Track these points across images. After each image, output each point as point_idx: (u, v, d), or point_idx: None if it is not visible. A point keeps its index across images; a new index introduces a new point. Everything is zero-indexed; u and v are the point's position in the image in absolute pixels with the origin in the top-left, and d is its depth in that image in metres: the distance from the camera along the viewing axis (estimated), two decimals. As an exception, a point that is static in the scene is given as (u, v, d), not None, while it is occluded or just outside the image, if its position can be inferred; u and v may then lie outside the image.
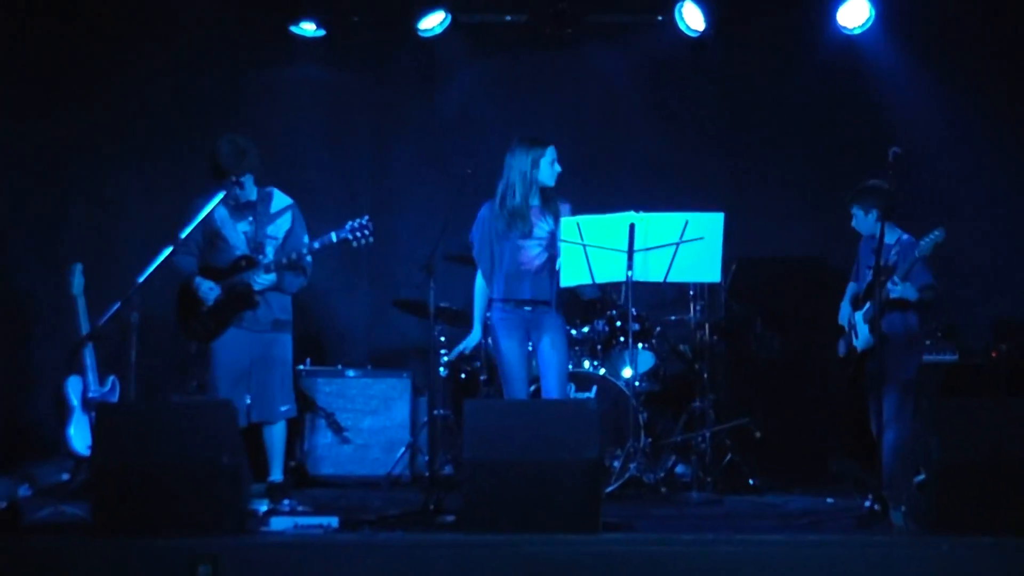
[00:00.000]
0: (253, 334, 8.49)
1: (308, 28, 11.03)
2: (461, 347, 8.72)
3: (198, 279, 8.47)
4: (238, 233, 8.54)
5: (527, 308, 8.38)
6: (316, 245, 8.37)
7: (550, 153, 8.39)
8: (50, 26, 10.62)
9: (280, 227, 8.60)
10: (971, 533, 6.74)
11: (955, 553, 6.63)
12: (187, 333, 8.60)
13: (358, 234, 8.22)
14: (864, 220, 8.65)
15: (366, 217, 8.25)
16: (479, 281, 8.53)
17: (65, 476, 9.16)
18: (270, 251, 8.48)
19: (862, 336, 8.55)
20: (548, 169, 8.38)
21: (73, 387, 9.18)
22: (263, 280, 8.37)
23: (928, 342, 9.55)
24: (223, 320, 8.45)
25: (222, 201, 8.39)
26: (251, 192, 8.57)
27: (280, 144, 8.74)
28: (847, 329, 8.81)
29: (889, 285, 8.24)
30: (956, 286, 9.02)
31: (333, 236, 8.27)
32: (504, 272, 8.39)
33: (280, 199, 8.68)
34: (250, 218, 8.56)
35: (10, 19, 10.31)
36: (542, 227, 8.38)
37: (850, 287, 8.95)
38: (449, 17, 10.91)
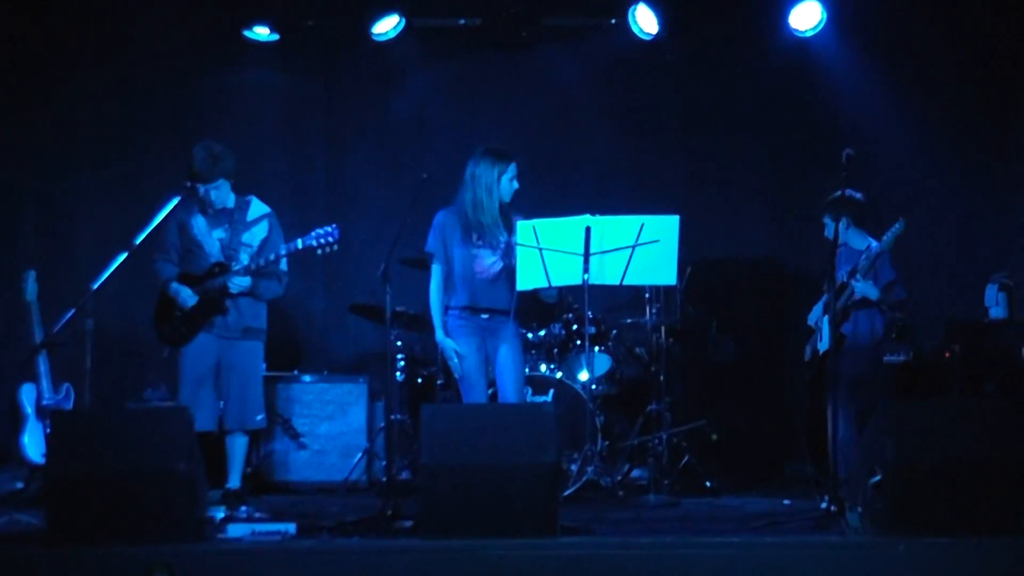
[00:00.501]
0: (222, 340, 8.47)
1: (262, 32, 10.97)
2: (454, 361, 8.57)
3: (175, 285, 8.46)
4: (213, 240, 8.53)
5: (483, 316, 8.38)
6: (282, 251, 8.38)
7: (512, 170, 8.40)
8: (3, 29, 10.54)
9: (256, 235, 8.59)
10: (927, 534, 6.77)
11: (912, 554, 6.67)
12: (161, 338, 8.58)
13: (323, 240, 8.23)
14: (832, 229, 8.63)
15: (333, 225, 8.27)
16: (435, 286, 8.50)
17: (19, 484, 9.09)
18: (244, 258, 8.46)
19: (825, 338, 8.60)
20: (507, 185, 8.40)
21: (27, 395, 9.13)
22: (238, 283, 8.36)
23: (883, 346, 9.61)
24: (195, 325, 8.44)
25: (199, 209, 8.45)
26: (228, 199, 8.57)
27: (234, 148, 8.71)
28: (815, 330, 8.85)
29: (852, 283, 8.32)
30: (909, 286, 9.04)
31: (299, 243, 8.29)
32: (461, 279, 8.39)
33: (258, 207, 8.67)
34: (226, 225, 8.55)
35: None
36: (498, 237, 8.38)
37: (827, 295, 8.97)
38: (403, 21, 10.89)
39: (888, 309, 8.69)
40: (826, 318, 8.68)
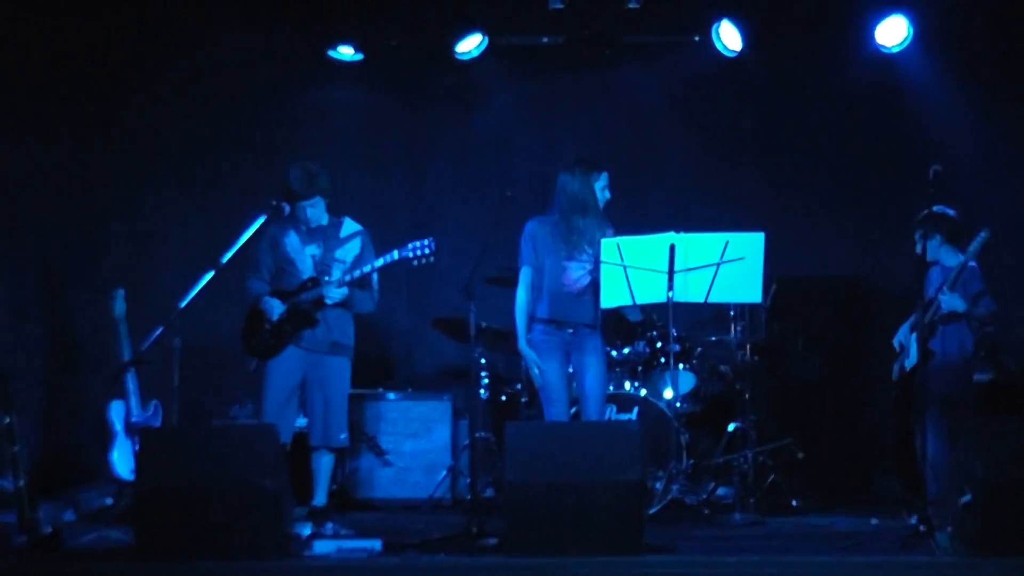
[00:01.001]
0: (309, 353, 8.52)
1: (346, 52, 11.03)
2: (535, 371, 8.59)
3: (266, 298, 8.54)
4: (306, 256, 8.60)
5: (569, 330, 8.38)
6: (378, 263, 8.44)
7: (603, 179, 8.46)
8: (89, 50, 10.69)
9: (349, 252, 8.65)
10: (1018, 554, 6.70)
11: (1001, 574, 6.60)
12: (249, 350, 8.63)
13: (418, 252, 8.30)
14: (928, 246, 8.52)
15: (430, 238, 8.33)
16: (522, 291, 8.51)
17: (108, 501, 9.17)
18: (337, 274, 8.52)
19: (912, 355, 8.51)
20: (600, 195, 8.44)
21: (116, 412, 9.22)
22: (334, 293, 8.42)
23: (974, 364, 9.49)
24: (283, 337, 8.50)
25: (292, 228, 8.55)
26: (322, 217, 8.64)
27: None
28: (898, 350, 8.75)
29: (939, 298, 8.22)
30: (997, 304, 8.94)
31: (395, 254, 8.36)
32: (548, 292, 8.40)
33: (350, 225, 8.74)
34: (319, 241, 8.62)
35: (50, 43, 10.37)
36: (588, 251, 8.38)
37: (916, 314, 8.86)
38: (486, 40, 10.92)
39: (978, 322, 8.54)
40: (913, 335, 8.60)
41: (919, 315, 8.06)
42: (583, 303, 8.40)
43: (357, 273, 8.47)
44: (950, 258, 8.49)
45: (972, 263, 8.39)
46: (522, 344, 8.47)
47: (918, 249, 8.47)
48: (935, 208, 8.31)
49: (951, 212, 8.45)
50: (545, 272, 8.41)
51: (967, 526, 7.02)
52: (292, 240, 8.61)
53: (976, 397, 9.45)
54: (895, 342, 8.90)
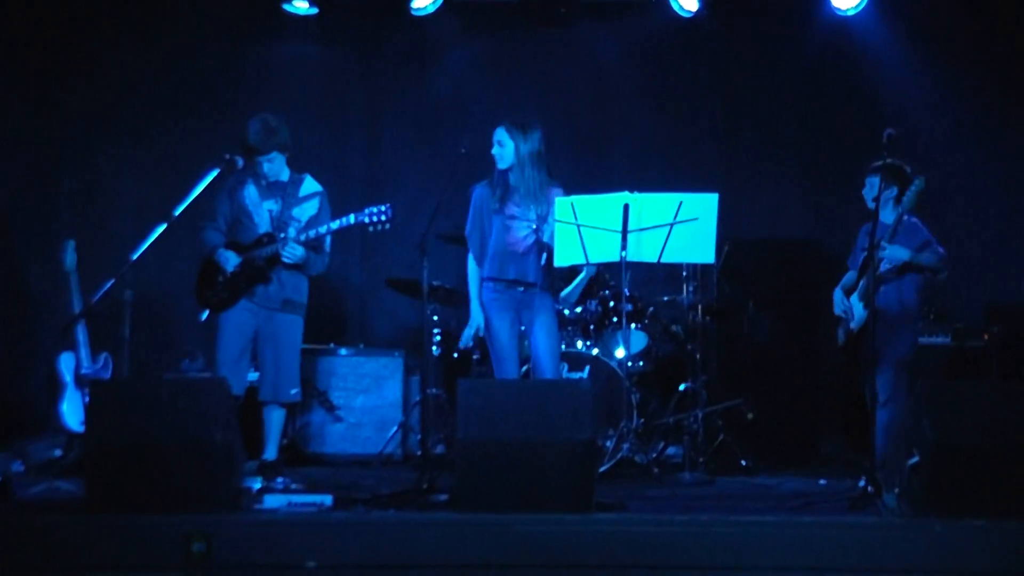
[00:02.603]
0: (261, 309, 8.54)
1: (301, 6, 10.99)
2: (470, 333, 8.65)
3: (221, 250, 8.53)
4: (263, 211, 8.60)
5: (520, 288, 8.38)
6: (334, 225, 8.46)
7: (537, 136, 8.40)
8: (41, 1, 10.58)
9: (306, 211, 8.66)
10: (964, 515, 6.76)
11: (948, 535, 6.66)
12: (201, 302, 8.62)
13: (375, 218, 8.32)
14: (881, 196, 8.43)
15: (387, 204, 8.35)
16: (471, 263, 8.54)
17: (58, 452, 9.13)
18: (292, 232, 8.52)
19: (857, 316, 8.53)
20: (537, 149, 8.38)
21: (66, 363, 9.17)
22: (292, 252, 8.42)
23: (920, 324, 9.53)
24: (236, 292, 8.51)
25: (252, 180, 8.56)
26: (281, 172, 8.65)
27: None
28: (842, 316, 8.75)
29: (879, 252, 8.16)
30: (949, 268, 9.00)
31: (351, 218, 8.38)
32: (493, 251, 8.41)
33: (311, 184, 8.75)
34: (278, 197, 8.61)
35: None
36: (532, 209, 8.37)
37: (847, 276, 8.87)
38: (442, -6, 10.89)
39: (930, 272, 8.49)
40: (852, 297, 8.61)
41: (853, 275, 8.00)
42: (527, 262, 8.40)
43: (312, 234, 8.47)
44: (888, 215, 8.40)
45: (910, 216, 8.35)
46: (474, 306, 8.52)
47: (868, 194, 8.46)
48: (892, 160, 8.19)
49: (907, 168, 8.38)
50: (491, 232, 8.41)
51: (914, 487, 7.07)
52: (251, 193, 8.59)
53: (927, 360, 9.53)
54: (837, 311, 8.85)
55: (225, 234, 8.62)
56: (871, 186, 8.52)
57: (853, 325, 8.59)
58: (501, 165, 8.40)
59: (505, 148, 8.37)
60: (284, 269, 8.52)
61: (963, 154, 10.87)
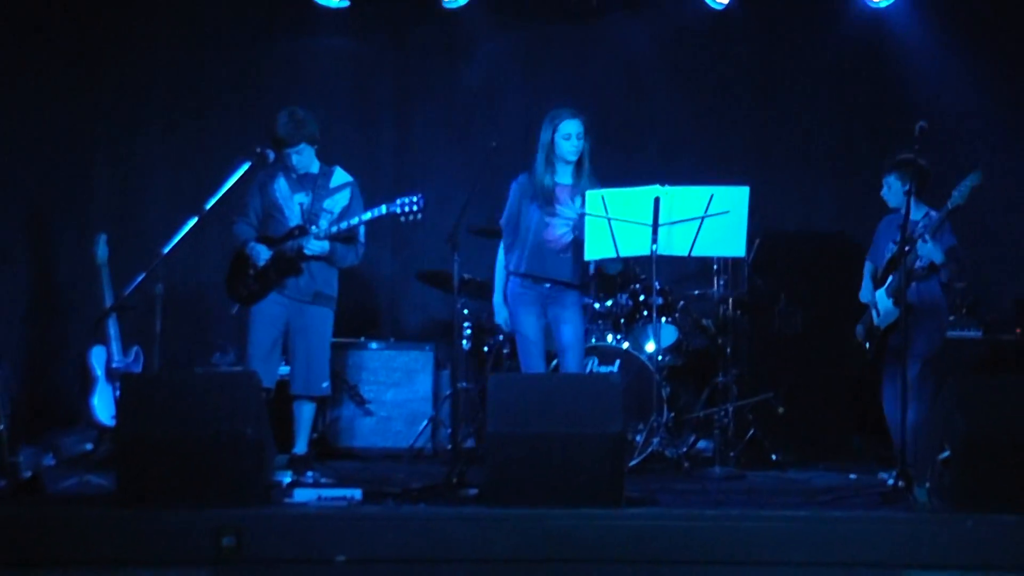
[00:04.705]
0: (292, 301, 8.57)
1: (332, -1, 11.02)
2: (501, 322, 8.66)
3: (252, 243, 8.56)
4: (294, 204, 8.63)
5: (546, 285, 8.36)
6: (366, 216, 8.46)
7: (567, 126, 8.31)
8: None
9: (337, 202, 8.67)
10: (995, 510, 6.74)
11: (979, 530, 6.64)
12: (232, 295, 8.68)
13: (407, 208, 8.31)
14: (899, 192, 8.41)
15: (419, 194, 8.34)
16: (501, 255, 8.53)
17: (89, 446, 9.18)
18: (324, 224, 8.54)
19: (884, 311, 8.48)
20: (564, 143, 8.32)
21: (97, 357, 9.20)
22: (314, 246, 8.44)
23: (952, 318, 9.48)
24: (267, 284, 8.55)
25: (282, 174, 8.58)
26: (311, 164, 8.66)
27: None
28: (870, 307, 8.70)
29: (918, 248, 8.07)
30: (981, 262, 8.96)
31: (383, 208, 8.38)
32: (529, 246, 8.37)
33: (341, 176, 8.76)
34: (308, 190, 8.63)
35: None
36: (571, 207, 8.33)
37: (867, 267, 8.82)
38: (473, -13, 10.88)
39: (954, 275, 8.42)
40: (879, 291, 8.56)
41: (901, 268, 7.95)
42: (563, 260, 8.36)
43: (344, 225, 8.48)
44: (917, 211, 8.29)
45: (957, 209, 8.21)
46: (497, 299, 8.52)
47: (889, 194, 8.44)
48: (908, 155, 8.08)
49: (923, 163, 8.28)
50: (527, 227, 8.37)
51: (945, 481, 7.05)
52: (281, 186, 8.61)
53: (958, 355, 9.48)
54: (865, 298, 8.77)
55: (256, 228, 8.64)
56: (888, 186, 8.52)
57: (879, 322, 8.54)
58: (571, 158, 8.34)
59: (582, 142, 8.34)
60: (314, 261, 8.53)
61: (995, 147, 10.78)
